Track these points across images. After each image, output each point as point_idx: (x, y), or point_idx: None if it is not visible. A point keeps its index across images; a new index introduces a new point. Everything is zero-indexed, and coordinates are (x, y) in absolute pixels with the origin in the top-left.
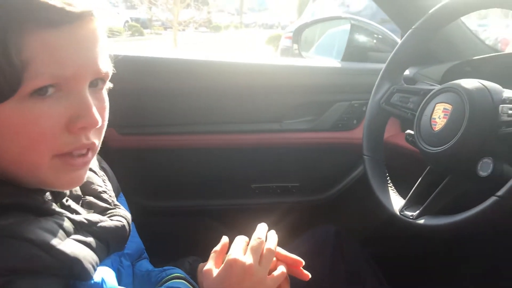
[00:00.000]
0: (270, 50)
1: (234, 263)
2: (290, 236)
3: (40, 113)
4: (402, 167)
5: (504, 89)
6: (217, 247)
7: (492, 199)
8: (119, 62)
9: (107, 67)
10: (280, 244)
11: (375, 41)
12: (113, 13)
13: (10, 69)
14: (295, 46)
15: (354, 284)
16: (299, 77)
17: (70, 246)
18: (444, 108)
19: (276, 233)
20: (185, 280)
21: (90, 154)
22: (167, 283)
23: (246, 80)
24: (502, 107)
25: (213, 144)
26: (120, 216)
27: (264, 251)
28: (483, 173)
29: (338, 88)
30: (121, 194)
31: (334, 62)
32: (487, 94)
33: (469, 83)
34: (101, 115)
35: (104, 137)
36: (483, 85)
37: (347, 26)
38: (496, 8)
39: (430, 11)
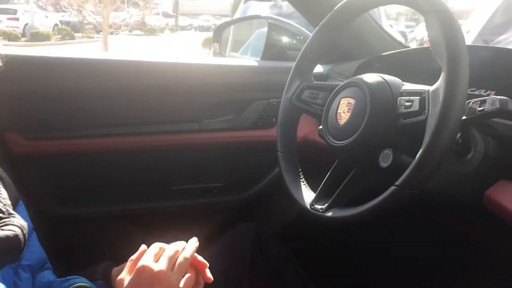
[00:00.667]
0: (205, 52)
1: (142, 270)
2: (213, 237)
3: None
4: (318, 162)
5: (404, 83)
6: (134, 256)
7: (391, 188)
8: (22, 63)
9: None
10: (201, 246)
11: (294, 41)
12: (41, 17)
13: None
14: (216, 45)
15: (275, 281)
16: (217, 76)
17: None
18: (348, 103)
19: (197, 235)
20: None
21: None
22: None
23: (162, 80)
24: (400, 99)
25: (128, 146)
26: (14, 225)
27: (180, 258)
28: (384, 164)
29: (257, 87)
30: (21, 203)
31: (252, 61)
32: (387, 88)
33: (370, 77)
34: None
35: (8, 142)
36: (383, 78)
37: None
38: (394, 4)
39: (335, 8)
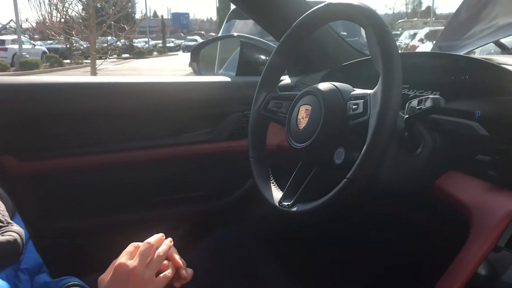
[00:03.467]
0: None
1: (118, 267)
2: (196, 241)
3: None
4: (288, 166)
5: (355, 89)
6: (117, 258)
7: (343, 181)
8: (11, 90)
9: None
10: (184, 249)
11: (267, 57)
12: (29, 46)
13: None
14: (194, 64)
15: (256, 283)
16: (193, 92)
17: None
18: (306, 109)
19: (183, 240)
20: (82, 287)
21: None
22: None
23: (144, 99)
24: (349, 103)
25: (114, 161)
26: (13, 231)
27: (154, 255)
28: (338, 161)
29: (231, 101)
30: (17, 215)
31: (226, 78)
32: (338, 94)
33: (324, 86)
34: None
35: (2, 163)
36: (335, 86)
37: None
38: (340, 20)
39: (292, 25)
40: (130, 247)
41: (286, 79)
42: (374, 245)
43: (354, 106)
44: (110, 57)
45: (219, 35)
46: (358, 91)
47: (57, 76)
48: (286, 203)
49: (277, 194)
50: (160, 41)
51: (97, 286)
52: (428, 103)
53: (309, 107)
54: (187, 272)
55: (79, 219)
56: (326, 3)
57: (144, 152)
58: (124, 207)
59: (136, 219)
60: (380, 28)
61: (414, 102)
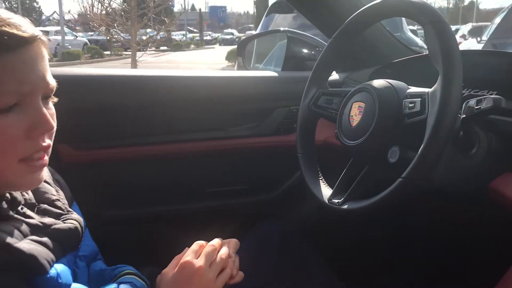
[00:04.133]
0: (229, 65)
1: (185, 265)
2: (241, 235)
3: (3, 127)
4: (336, 163)
5: (409, 86)
6: (179, 254)
7: (398, 180)
8: (69, 81)
9: (53, 82)
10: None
11: (313, 52)
12: (71, 37)
13: None
14: (240, 59)
15: (300, 277)
16: (241, 87)
17: (26, 245)
18: (359, 106)
19: (227, 232)
20: (136, 276)
21: (46, 156)
22: (119, 279)
23: (192, 92)
24: (405, 101)
25: (164, 153)
26: (73, 219)
27: (217, 257)
28: (392, 160)
29: (278, 96)
30: (74, 203)
31: (273, 73)
32: (393, 91)
33: (378, 83)
34: (53, 120)
35: (58, 152)
36: (390, 83)
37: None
38: (397, 16)
39: (346, 21)
40: (195, 245)
41: (333, 75)
42: (423, 247)
43: (410, 105)
44: (149, 49)
45: (258, 29)
46: (414, 89)
47: (113, 69)
48: (336, 201)
49: (326, 191)
50: (197, 34)
51: (152, 278)
52: (488, 103)
53: (362, 104)
54: (239, 274)
55: (129, 209)
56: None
57: (192, 145)
58: (172, 199)
59: (183, 210)
60: (440, 25)
61: (472, 102)
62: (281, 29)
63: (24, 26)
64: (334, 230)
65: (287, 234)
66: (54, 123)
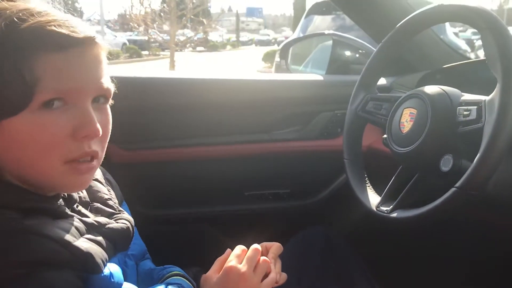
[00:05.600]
0: (265, 66)
1: (230, 270)
2: (282, 239)
3: (47, 123)
4: (383, 169)
5: (463, 93)
6: (221, 257)
7: (452, 190)
8: (119, 83)
9: (108, 85)
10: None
11: (357, 55)
12: (111, 37)
13: (23, 86)
14: (283, 62)
15: (343, 283)
16: (285, 90)
17: (84, 243)
18: (411, 112)
19: (268, 236)
20: (184, 277)
21: (94, 162)
22: (168, 279)
23: (237, 95)
24: (459, 109)
25: (208, 155)
26: (124, 219)
27: (260, 261)
28: (445, 168)
29: (322, 100)
30: (124, 203)
31: (317, 76)
32: (447, 98)
33: (431, 89)
34: (103, 128)
35: (107, 152)
36: (443, 90)
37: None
38: (452, 21)
39: (397, 26)
40: (238, 249)
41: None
42: (471, 259)
43: (465, 112)
44: (186, 49)
45: (296, 30)
46: (469, 96)
47: (156, 71)
48: (384, 208)
49: (373, 198)
50: (234, 35)
51: (197, 279)
52: None
53: (414, 111)
54: (283, 277)
55: (172, 209)
56: (437, 4)
57: (235, 147)
58: (214, 200)
59: (225, 211)
60: (498, 31)
61: None
62: (326, 32)
63: (79, 28)
64: (379, 237)
65: (331, 239)
66: (102, 129)
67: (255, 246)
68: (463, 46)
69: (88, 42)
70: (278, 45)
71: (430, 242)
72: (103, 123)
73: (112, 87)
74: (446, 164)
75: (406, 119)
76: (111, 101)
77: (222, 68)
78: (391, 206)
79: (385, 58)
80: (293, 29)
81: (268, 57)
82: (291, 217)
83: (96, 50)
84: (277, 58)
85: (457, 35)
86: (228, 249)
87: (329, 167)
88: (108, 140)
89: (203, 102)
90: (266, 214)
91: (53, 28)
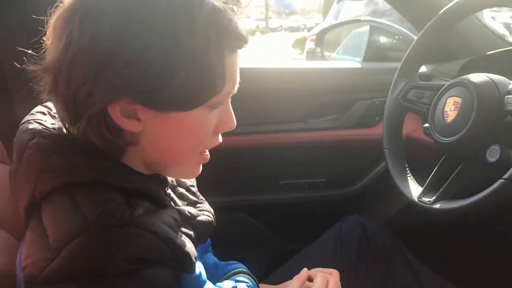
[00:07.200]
0: (295, 53)
1: None
2: (319, 228)
3: (208, 120)
4: (423, 159)
5: (511, 81)
6: (300, 276)
7: (500, 181)
8: None
9: None
10: (309, 236)
11: (394, 41)
12: None
13: (220, 82)
14: (318, 49)
15: (383, 271)
16: (322, 79)
17: (182, 240)
18: (455, 101)
19: (304, 225)
20: (249, 275)
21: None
22: (234, 276)
23: (272, 83)
24: (508, 97)
25: (244, 144)
26: (208, 211)
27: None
28: (491, 159)
29: (360, 88)
30: None
31: (355, 63)
32: (494, 87)
33: (477, 77)
34: None
35: None
36: (490, 78)
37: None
38: (501, 6)
39: (440, 12)
40: (304, 273)
41: None
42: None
43: None
44: None
45: (327, 16)
46: None
47: None
48: (427, 199)
49: (415, 188)
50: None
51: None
52: None
53: (458, 100)
54: None
55: (209, 197)
56: None
57: (272, 136)
58: (251, 188)
59: (261, 199)
60: None
61: None
62: (362, 18)
63: (240, 27)
64: (419, 228)
65: (369, 228)
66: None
67: (319, 278)
68: (502, 30)
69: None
70: (308, 31)
71: (473, 233)
72: None
73: None
74: (493, 154)
75: (450, 108)
76: None
77: (251, 54)
78: (434, 197)
79: (427, 46)
80: (324, 15)
81: (298, 44)
82: (328, 206)
83: None
84: (308, 45)
85: (494, 19)
86: (304, 270)
87: (367, 156)
88: None
89: (239, 91)
90: (302, 203)
91: (237, 29)
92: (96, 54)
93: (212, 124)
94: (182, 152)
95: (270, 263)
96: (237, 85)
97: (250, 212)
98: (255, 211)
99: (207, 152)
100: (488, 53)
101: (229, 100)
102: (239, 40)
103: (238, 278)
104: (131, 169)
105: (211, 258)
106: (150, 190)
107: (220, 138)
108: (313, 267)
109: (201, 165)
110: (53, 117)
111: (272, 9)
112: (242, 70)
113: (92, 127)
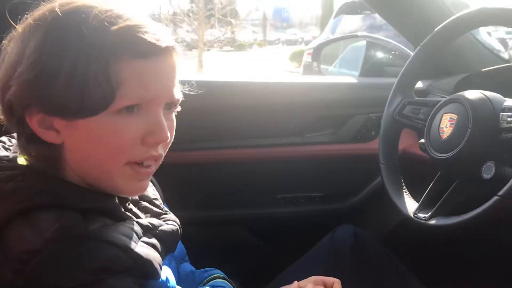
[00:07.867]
0: (293, 66)
1: None
2: (315, 242)
3: (121, 127)
4: (418, 174)
5: (506, 99)
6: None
7: (494, 198)
8: None
9: (179, 94)
10: (305, 251)
11: (390, 56)
12: None
13: (106, 88)
14: (315, 64)
15: (375, 283)
16: (318, 93)
17: (143, 249)
18: (450, 118)
19: (300, 239)
20: (226, 280)
21: (154, 167)
22: (211, 282)
23: (269, 97)
24: (502, 115)
25: (240, 157)
26: (172, 220)
27: None
28: (486, 175)
29: (356, 102)
30: (165, 204)
31: (351, 78)
32: (488, 104)
33: (472, 94)
34: (170, 133)
35: None
36: (485, 95)
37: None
38: (496, 25)
39: (436, 29)
40: (294, 285)
41: None
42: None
43: (509, 119)
44: (212, 49)
45: (325, 30)
46: None
47: (191, 74)
48: (422, 215)
49: (410, 204)
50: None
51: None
52: None
53: (454, 116)
54: None
55: (204, 211)
56: (479, 7)
57: (267, 150)
58: (247, 202)
59: (257, 213)
60: None
61: None
62: (359, 33)
63: (162, 36)
64: (414, 243)
65: (362, 244)
66: (171, 135)
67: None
68: (497, 46)
69: (169, 51)
70: (306, 45)
71: (466, 249)
72: (170, 129)
73: (181, 96)
74: (488, 171)
75: (446, 124)
76: (178, 108)
77: (249, 67)
78: (429, 213)
79: (423, 62)
80: (321, 29)
81: (295, 57)
82: (324, 220)
83: (174, 60)
84: (305, 59)
85: (489, 34)
86: (295, 282)
87: (363, 171)
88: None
89: (236, 104)
90: (298, 217)
91: (140, 34)
92: (14, 61)
93: (132, 133)
94: (101, 161)
95: (265, 277)
96: (172, 91)
97: (247, 225)
98: (252, 224)
99: (146, 164)
100: (483, 70)
101: (161, 110)
102: (143, 45)
103: (214, 284)
104: (81, 187)
105: (188, 266)
106: (106, 207)
107: (160, 150)
108: (306, 277)
109: (143, 180)
110: (6, 149)
111: (270, 23)
112: (238, 84)
113: (21, 139)
